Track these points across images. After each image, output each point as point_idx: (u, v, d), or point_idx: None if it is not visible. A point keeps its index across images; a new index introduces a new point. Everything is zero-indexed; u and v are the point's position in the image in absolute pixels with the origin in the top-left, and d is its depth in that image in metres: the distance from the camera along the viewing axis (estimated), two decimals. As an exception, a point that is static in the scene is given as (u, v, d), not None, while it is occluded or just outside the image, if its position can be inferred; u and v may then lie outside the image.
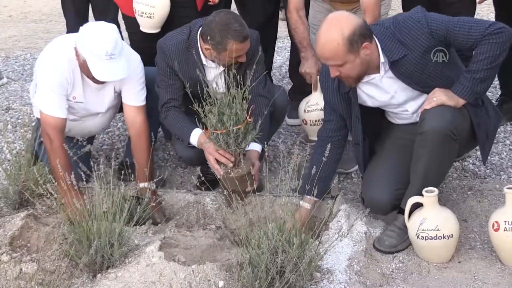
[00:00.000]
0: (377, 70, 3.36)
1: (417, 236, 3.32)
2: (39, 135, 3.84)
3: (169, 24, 4.29)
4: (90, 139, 4.22)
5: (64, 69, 3.68)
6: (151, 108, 3.94)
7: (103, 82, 3.74)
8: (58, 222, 3.43)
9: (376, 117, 3.62)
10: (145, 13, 4.21)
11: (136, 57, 3.85)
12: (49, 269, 3.24)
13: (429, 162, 3.33)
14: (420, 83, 3.37)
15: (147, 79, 3.91)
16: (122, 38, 3.91)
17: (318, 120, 4.07)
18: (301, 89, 4.65)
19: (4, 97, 5.45)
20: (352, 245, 3.38)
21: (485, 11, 6.49)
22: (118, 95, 3.88)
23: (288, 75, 5.38)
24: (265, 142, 3.56)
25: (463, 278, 3.25)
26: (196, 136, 3.73)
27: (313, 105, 4.13)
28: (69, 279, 3.21)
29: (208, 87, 3.61)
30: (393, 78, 3.37)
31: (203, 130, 3.67)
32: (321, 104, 3.85)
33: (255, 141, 3.68)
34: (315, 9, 4.28)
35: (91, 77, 3.65)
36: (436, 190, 3.33)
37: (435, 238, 3.29)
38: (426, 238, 3.30)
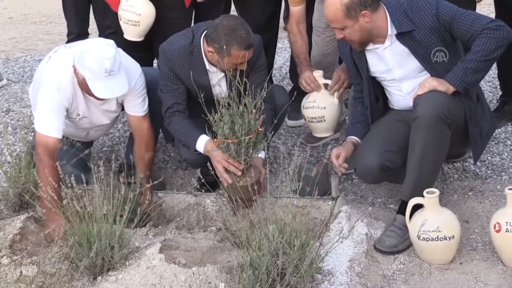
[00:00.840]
0: (383, 40, 3.54)
1: (418, 238, 3.32)
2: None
3: (158, 27, 4.28)
4: (90, 142, 4.22)
5: (66, 90, 3.65)
6: (152, 110, 3.93)
7: (103, 99, 3.72)
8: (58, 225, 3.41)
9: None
10: (131, 21, 4.20)
11: (136, 68, 3.82)
12: (50, 271, 3.22)
13: (424, 147, 3.38)
14: (424, 58, 3.53)
15: (148, 81, 3.90)
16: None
17: (315, 118, 4.11)
18: (302, 89, 4.64)
19: (4, 99, 5.45)
20: (353, 247, 3.37)
21: (485, 11, 6.48)
22: (121, 104, 3.88)
23: (288, 76, 5.38)
24: (269, 141, 3.55)
25: (464, 279, 3.24)
26: (202, 143, 3.72)
27: (311, 102, 4.12)
28: (69, 281, 3.20)
29: (211, 92, 3.60)
30: (395, 52, 3.55)
31: (214, 140, 3.64)
32: (318, 102, 4.04)
33: None
34: (320, 10, 4.27)
35: (92, 94, 3.63)
36: (437, 191, 3.32)
37: (436, 239, 3.28)
38: (427, 239, 3.29)
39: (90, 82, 3.55)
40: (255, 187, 3.52)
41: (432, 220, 3.30)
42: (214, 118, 3.50)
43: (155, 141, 3.99)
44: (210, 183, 3.77)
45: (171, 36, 3.93)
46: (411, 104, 3.50)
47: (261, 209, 3.38)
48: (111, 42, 3.65)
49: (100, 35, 4.68)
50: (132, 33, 4.25)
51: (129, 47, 4.07)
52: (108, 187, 3.30)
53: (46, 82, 3.67)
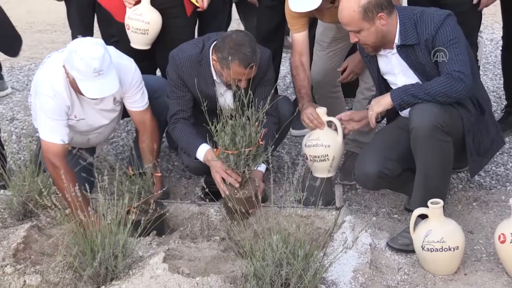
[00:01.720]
0: (392, 46, 3.57)
1: (423, 248, 3.31)
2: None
3: (162, 35, 4.29)
4: (92, 148, 4.22)
5: (62, 94, 3.66)
6: (156, 117, 3.93)
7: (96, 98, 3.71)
8: (62, 233, 3.41)
9: None
10: (140, 30, 4.21)
11: (130, 65, 3.81)
12: (53, 281, 3.22)
13: (425, 157, 3.41)
14: (421, 73, 3.54)
15: (150, 89, 3.91)
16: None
17: (318, 157, 3.81)
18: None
19: (8, 107, 5.46)
20: (357, 257, 3.36)
21: (489, 21, 6.49)
22: (120, 103, 3.88)
23: (292, 85, 5.38)
24: (269, 156, 3.53)
25: (469, 290, 3.23)
26: (202, 152, 3.74)
27: (314, 140, 3.84)
28: (73, 291, 3.20)
29: (217, 102, 3.61)
30: (400, 60, 3.57)
31: (214, 149, 3.65)
32: (322, 140, 3.80)
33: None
34: (325, 26, 4.28)
35: (82, 93, 3.63)
36: (441, 202, 3.32)
37: (441, 250, 3.27)
38: (432, 250, 3.28)
39: (80, 82, 3.54)
40: (253, 200, 3.50)
41: (437, 230, 3.29)
42: (216, 128, 3.50)
43: (160, 133, 3.99)
44: (214, 193, 3.77)
45: (177, 45, 3.96)
46: None
47: (265, 219, 3.38)
48: (100, 41, 3.65)
49: (107, 43, 4.68)
50: (140, 42, 4.26)
51: (131, 57, 4.08)
52: (112, 195, 3.30)
53: (42, 89, 3.68)
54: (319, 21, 4.29)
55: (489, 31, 6.34)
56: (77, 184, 3.35)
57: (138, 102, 3.85)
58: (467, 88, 3.39)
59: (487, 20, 6.39)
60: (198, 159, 3.78)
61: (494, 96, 5.14)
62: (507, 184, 4.15)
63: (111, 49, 3.68)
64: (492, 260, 3.42)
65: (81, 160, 3.67)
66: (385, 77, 3.69)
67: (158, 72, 4.80)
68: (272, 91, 3.83)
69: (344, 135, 3.87)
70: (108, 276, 3.24)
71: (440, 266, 3.32)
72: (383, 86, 3.72)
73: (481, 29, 4.73)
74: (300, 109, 3.94)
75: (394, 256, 3.47)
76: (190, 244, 3.58)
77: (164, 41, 4.27)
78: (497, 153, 4.35)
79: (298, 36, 4.03)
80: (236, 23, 5.87)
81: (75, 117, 3.78)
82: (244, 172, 3.60)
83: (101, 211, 3.25)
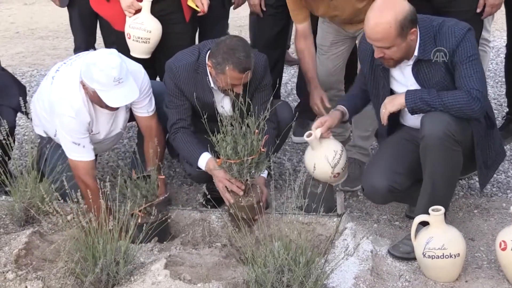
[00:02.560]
0: (409, 58, 3.48)
1: (424, 255, 3.31)
2: (44, 152, 3.84)
3: (162, 42, 4.30)
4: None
5: (83, 111, 3.68)
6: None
7: (116, 108, 3.73)
8: (64, 239, 3.42)
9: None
10: (141, 38, 4.21)
11: (140, 70, 3.84)
12: (55, 287, 3.22)
13: (434, 165, 3.39)
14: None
15: (154, 95, 3.92)
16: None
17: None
18: (308, 106, 4.65)
19: (10, 113, 5.45)
20: (358, 264, 3.36)
21: (491, 28, 6.48)
22: (129, 110, 3.91)
23: (294, 92, 5.39)
24: (271, 162, 3.54)
25: (470, 297, 3.24)
26: (204, 161, 3.73)
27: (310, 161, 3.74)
28: (74, 297, 3.20)
29: (217, 109, 3.61)
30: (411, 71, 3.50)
31: (217, 159, 3.63)
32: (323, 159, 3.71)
33: None
34: (324, 30, 4.30)
35: (104, 106, 3.65)
36: (442, 209, 3.32)
37: (442, 257, 3.27)
38: (433, 257, 3.28)
39: (101, 94, 3.57)
40: (257, 207, 3.51)
41: (438, 237, 3.29)
42: (217, 138, 3.50)
43: (164, 138, 4.01)
44: (216, 199, 3.78)
45: (176, 52, 3.96)
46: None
47: (266, 225, 3.38)
48: (113, 51, 3.69)
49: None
50: (141, 51, 4.26)
51: None
52: (113, 202, 3.31)
53: (60, 110, 3.68)
54: (318, 26, 4.33)
55: (489, 38, 6.34)
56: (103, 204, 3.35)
57: (146, 107, 3.87)
58: (482, 109, 3.40)
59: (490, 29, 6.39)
60: (200, 168, 3.78)
61: (495, 103, 5.15)
62: (508, 191, 4.15)
63: (122, 56, 3.71)
64: (493, 268, 3.42)
65: None
66: (395, 88, 3.61)
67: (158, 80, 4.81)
68: (271, 96, 3.84)
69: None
70: (109, 282, 3.24)
71: (441, 273, 3.32)
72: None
73: (487, 37, 4.73)
74: (309, 92, 4.09)
75: (395, 263, 3.47)
76: (192, 251, 3.58)
77: (164, 49, 4.28)
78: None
79: (301, 26, 4.12)
80: (237, 31, 5.89)
81: (91, 132, 3.80)
82: (247, 180, 3.59)
83: (103, 217, 3.26)
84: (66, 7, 4.96)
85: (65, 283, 3.20)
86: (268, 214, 3.61)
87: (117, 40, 4.43)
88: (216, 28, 4.68)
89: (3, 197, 3.97)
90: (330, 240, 3.29)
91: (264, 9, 4.62)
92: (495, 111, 4.93)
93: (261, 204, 3.56)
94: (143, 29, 4.19)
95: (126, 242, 3.25)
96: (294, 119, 4.00)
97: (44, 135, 4.02)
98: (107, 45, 4.86)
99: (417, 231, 3.37)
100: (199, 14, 4.35)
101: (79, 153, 3.70)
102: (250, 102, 3.60)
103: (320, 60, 4.34)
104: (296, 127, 4.64)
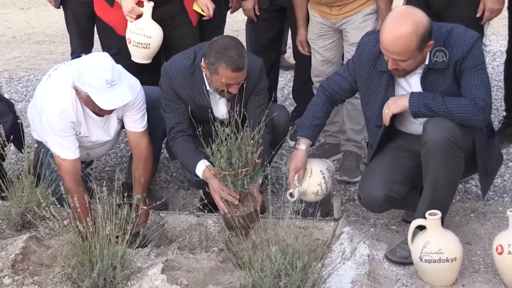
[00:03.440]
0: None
1: (421, 259, 3.31)
2: (42, 157, 3.84)
3: (168, 45, 4.31)
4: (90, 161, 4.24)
5: (68, 111, 3.67)
6: (153, 130, 3.94)
7: (110, 112, 3.72)
8: (61, 244, 3.41)
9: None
10: (141, 44, 4.22)
11: (136, 84, 3.83)
12: (52, 292, 3.22)
13: (436, 170, 3.37)
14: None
15: (148, 100, 3.91)
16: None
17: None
18: (304, 110, 4.66)
19: (7, 118, 5.44)
20: (355, 268, 3.36)
21: (487, 32, 6.50)
22: (121, 121, 3.89)
23: (290, 97, 5.40)
24: (268, 166, 3.54)
25: (467, 301, 3.24)
26: (200, 169, 3.72)
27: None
28: (71, 302, 3.19)
29: (211, 112, 3.61)
30: (419, 80, 3.47)
31: (211, 170, 3.62)
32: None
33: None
34: (311, 23, 4.41)
35: (98, 110, 3.64)
36: (439, 213, 3.33)
37: (439, 261, 3.28)
38: (430, 261, 3.29)
39: (94, 97, 3.55)
40: (253, 215, 3.49)
41: (434, 242, 3.29)
42: (211, 149, 3.48)
43: (154, 160, 3.99)
44: (212, 203, 3.77)
45: (175, 55, 3.96)
46: (420, 130, 3.47)
47: (263, 230, 3.38)
48: (105, 54, 3.67)
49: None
50: (142, 56, 4.27)
51: (135, 70, 4.09)
52: (110, 207, 3.30)
53: (48, 107, 3.68)
54: (309, 21, 4.41)
55: (486, 42, 6.36)
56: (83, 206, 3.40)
57: (137, 122, 3.84)
58: (485, 121, 3.40)
59: (490, 36, 6.41)
60: (198, 176, 3.77)
61: (492, 107, 5.16)
62: (505, 195, 4.16)
63: (118, 66, 3.70)
64: (490, 272, 3.43)
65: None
66: (397, 93, 3.57)
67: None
68: (267, 100, 3.84)
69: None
70: (106, 287, 3.23)
71: (438, 277, 3.33)
72: None
73: (483, 41, 4.74)
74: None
75: (392, 267, 3.47)
76: (189, 255, 3.58)
77: (169, 52, 4.27)
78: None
79: None
80: (234, 35, 5.88)
81: (79, 134, 3.79)
82: (241, 191, 3.57)
83: (100, 222, 3.25)
84: (64, 11, 4.95)
85: (62, 288, 3.20)
86: (265, 219, 3.61)
87: (120, 46, 4.44)
88: (217, 32, 4.69)
89: (0, 202, 3.97)
90: (327, 244, 3.28)
91: (258, 13, 4.63)
92: (491, 115, 4.96)
93: (257, 211, 3.54)
94: (143, 35, 4.19)
95: (123, 247, 3.25)
96: (291, 123, 4.00)
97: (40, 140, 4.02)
98: (104, 49, 4.87)
99: (414, 235, 3.37)
100: (204, 18, 4.35)
101: (63, 150, 3.68)
102: (245, 108, 3.58)
103: (313, 50, 4.46)
104: (293, 132, 4.65)
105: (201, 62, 3.77)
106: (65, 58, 6.22)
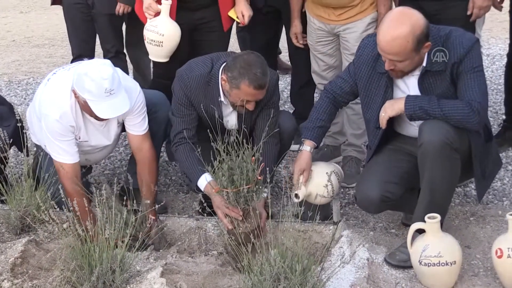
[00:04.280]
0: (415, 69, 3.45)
1: (420, 263, 3.31)
2: (41, 160, 3.84)
3: (197, 49, 4.32)
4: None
5: (67, 115, 3.66)
6: (154, 132, 3.94)
7: (107, 119, 3.73)
8: (60, 248, 3.41)
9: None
10: (154, 41, 4.20)
11: (135, 87, 3.82)
12: (51, 295, 3.22)
13: (432, 173, 3.38)
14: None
15: (149, 103, 3.91)
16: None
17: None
18: (303, 114, 4.66)
19: (6, 121, 5.45)
20: (354, 272, 3.36)
21: (486, 36, 6.52)
22: (121, 124, 3.89)
23: (289, 100, 5.40)
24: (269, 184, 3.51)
25: (466, 305, 3.24)
26: (203, 184, 3.68)
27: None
28: (70, 305, 3.19)
29: (222, 123, 3.65)
30: (417, 82, 3.48)
31: (214, 186, 3.56)
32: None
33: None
34: (310, 29, 4.40)
35: (95, 116, 3.64)
36: (438, 217, 3.33)
37: (438, 264, 3.28)
38: (429, 264, 3.29)
39: (92, 104, 3.54)
40: (256, 232, 3.47)
41: (434, 245, 3.29)
42: (213, 168, 3.45)
43: (156, 166, 3.99)
44: (212, 207, 3.77)
45: (191, 60, 3.94)
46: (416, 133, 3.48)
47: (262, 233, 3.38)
48: (107, 61, 3.66)
49: (104, 58, 4.70)
50: (156, 54, 4.26)
51: (161, 75, 4.09)
52: (110, 210, 3.31)
53: (47, 112, 3.67)
54: (307, 26, 4.41)
55: (485, 46, 6.38)
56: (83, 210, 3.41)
57: (138, 126, 3.83)
58: (481, 122, 3.40)
59: (484, 35, 6.42)
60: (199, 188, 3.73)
61: (491, 111, 5.17)
62: (504, 199, 4.16)
63: (118, 70, 3.69)
64: (489, 275, 3.43)
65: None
66: (394, 97, 3.56)
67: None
68: (277, 112, 3.81)
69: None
70: (105, 291, 3.24)
71: (437, 280, 3.33)
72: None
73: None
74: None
75: (391, 271, 3.47)
76: (188, 259, 3.58)
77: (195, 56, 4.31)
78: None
79: None
80: (233, 38, 5.89)
81: (79, 138, 3.78)
82: (244, 207, 3.52)
83: (99, 226, 3.26)
84: (64, 13, 4.95)
85: (61, 292, 3.20)
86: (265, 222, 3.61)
87: (112, 48, 4.42)
88: None
89: (-1, 205, 3.97)
90: (326, 248, 3.29)
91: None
92: (490, 119, 4.96)
93: (260, 227, 3.49)
94: (156, 32, 4.17)
95: (122, 250, 3.25)
96: (296, 128, 4.00)
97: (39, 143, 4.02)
98: (104, 52, 4.88)
99: (413, 238, 3.37)
100: (240, 25, 4.35)
101: (61, 154, 3.68)
102: (255, 119, 3.60)
103: (313, 57, 4.46)
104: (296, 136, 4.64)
105: (219, 72, 3.74)
106: (65, 61, 6.23)
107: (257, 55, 3.70)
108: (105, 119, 3.72)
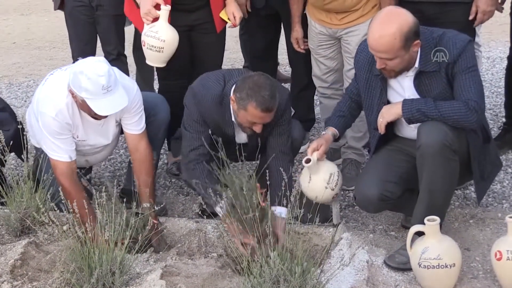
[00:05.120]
0: (409, 69, 3.48)
1: (419, 265, 3.31)
2: (41, 162, 3.85)
3: (193, 50, 4.34)
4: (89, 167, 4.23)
5: (64, 114, 3.66)
6: (153, 134, 3.95)
7: (105, 116, 3.72)
8: (60, 250, 3.41)
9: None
10: (155, 47, 4.18)
11: (132, 86, 3.81)
12: (50, 297, 3.23)
13: (431, 174, 3.39)
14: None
15: (149, 105, 3.92)
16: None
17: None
18: (303, 117, 4.67)
19: (7, 123, 5.45)
20: (354, 274, 3.36)
21: (486, 39, 6.52)
22: (119, 124, 3.89)
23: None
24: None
25: (466, 307, 3.24)
26: (220, 211, 3.57)
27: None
28: (70, 307, 3.20)
29: (234, 141, 3.66)
30: (411, 84, 3.49)
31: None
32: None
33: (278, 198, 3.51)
34: (311, 33, 4.39)
35: (93, 114, 3.63)
36: (437, 219, 3.33)
37: (437, 267, 3.28)
38: (428, 267, 3.29)
39: (90, 102, 3.54)
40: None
41: (433, 247, 3.30)
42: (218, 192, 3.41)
43: (153, 163, 3.99)
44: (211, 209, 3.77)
45: (206, 63, 4.01)
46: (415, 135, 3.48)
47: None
48: (102, 58, 3.66)
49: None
50: (155, 59, 4.24)
51: (163, 76, 4.08)
52: (110, 212, 3.31)
53: (44, 109, 3.68)
54: (308, 30, 4.40)
55: (485, 49, 6.37)
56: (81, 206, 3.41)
57: (135, 125, 3.83)
58: (478, 120, 3.41)
59: (484, 38, 6.41)
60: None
61: (491, 114, 5.17)
62: (504, 201, 4.16)
63: (114, 68, 3.70)
64: (489, 278, 3.43)
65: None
66: (392, 99, 3.59)
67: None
68: (290, 128, 3.79)
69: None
70: (105, 293, 3.24)
71: (437, 283, 3.33)
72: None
73: (477, 41, 4.74)
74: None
75: (391, 273, 3.47)
76: (188, 261, 3.58)
77: (197, 58, 4.34)
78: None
79: None
80: (234, 41, 5.90)
81: (77, 137, 3.79)
82: (253, 234, 3.40)
83: (99, 228, 3.26)
84: (65, 15, 4.96)
85: (61, 294, 3.20)
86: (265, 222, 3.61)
87: (114, 51, 4.43)
88: None
89: (-1, 207, 3.98)
90: (326, 250, 3.28)
91: (249, 10, 4.60)
92: (490, 121, 4.97)
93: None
94: (157, 38, 4.15)
95: (122, 252, 3.25)
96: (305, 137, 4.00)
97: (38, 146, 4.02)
98: (105, 54, 4.89)
99: (412, 241, 3.37)
100: (229, 27, 4.36)
101: (58, 152, 3.68)
102: (268, 137, 3.63)
103: (314, 61, 4.46)
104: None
105: (230, 92, 3.71)
106: (66, 63, 6.19)
107: (267, 77, 3.65)
108: (103, 117, 3.72)
